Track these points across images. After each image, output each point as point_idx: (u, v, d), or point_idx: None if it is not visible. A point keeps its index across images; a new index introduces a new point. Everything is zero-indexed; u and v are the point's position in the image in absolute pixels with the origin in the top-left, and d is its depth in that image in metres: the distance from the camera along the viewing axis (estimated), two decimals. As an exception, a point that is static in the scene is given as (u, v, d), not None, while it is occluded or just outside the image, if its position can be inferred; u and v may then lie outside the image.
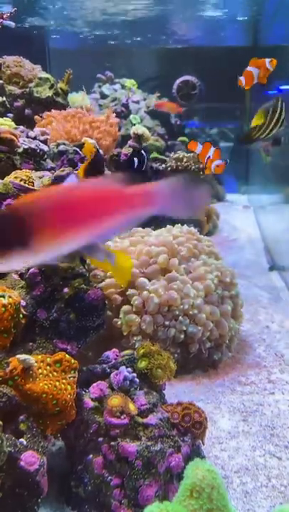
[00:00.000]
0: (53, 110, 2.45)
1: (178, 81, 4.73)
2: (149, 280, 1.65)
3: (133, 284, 1.63)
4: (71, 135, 2.17)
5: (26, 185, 1.45)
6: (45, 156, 1.83)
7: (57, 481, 1.05)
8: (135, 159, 2.01)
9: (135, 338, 1.57)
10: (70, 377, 0.98)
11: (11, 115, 2.27)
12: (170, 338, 1.59)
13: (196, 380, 1.63)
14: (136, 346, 1.54)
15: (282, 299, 2.37)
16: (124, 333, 1.58)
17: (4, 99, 2.28)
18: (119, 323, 1.59)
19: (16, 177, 1.47)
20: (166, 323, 1.59)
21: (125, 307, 1.60)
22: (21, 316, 1.06)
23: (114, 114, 2.58)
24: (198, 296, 1.64)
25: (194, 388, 1.58)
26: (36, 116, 2.42)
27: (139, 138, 2.58)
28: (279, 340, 1.91)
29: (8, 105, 2.32)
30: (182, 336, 1.59)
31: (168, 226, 1.97)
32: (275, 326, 2.04)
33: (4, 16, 1.66)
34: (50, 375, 0.96)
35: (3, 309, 0.94)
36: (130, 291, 1.61)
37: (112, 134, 2.20)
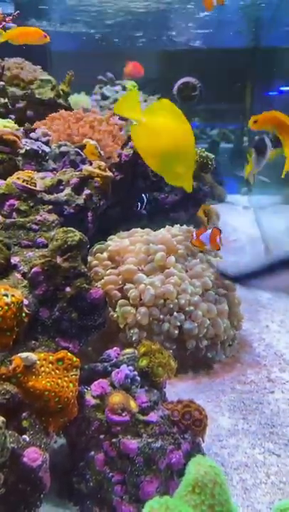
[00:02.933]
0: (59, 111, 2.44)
1: (178, 82, 4.74)
2: (147, 276, 1.68)
3: (131, 280, 1.66)
4: (71, 137, 2.18)
5: (29, 186, 1.46)
6: (47, 157, 1.84)
7: (59, 477, 1.06)
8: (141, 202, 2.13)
9: (132, 331, 1.59)
10: (72, 375, 0.99)
11: (12, 117, 2.28)
12: (164, 332, 1.60)
13: (197, 379, 1.65)
14: (133, 339, 1.56)
15: (282, 298, 2.38)
16: (121, 326, 1.60)
17: (6, 100, 2.29)
18: (115, 316, 1.61)
19: (18, 178, 1.49)
20: (161, 317, 1.61)
21: (122, 301, 1.63)
22: (24, 314, 1.07)
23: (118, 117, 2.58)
24: (196, 293, 1.66)
25: (195, 387, 1.59)
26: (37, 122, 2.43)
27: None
28: (279, 340, 1.92)
29: (10, 107, 2.33)
30: (176, 332, 1.61)
31: (167, 226, 1.99)
32: (275, 326, 2.06)
33: (7, 19, 1.68)
34: (53, 372, 0.97)
35: (6, 308, 0.95)
36: (128, 285, 1.64)
37: (114, 136, 2.20)
